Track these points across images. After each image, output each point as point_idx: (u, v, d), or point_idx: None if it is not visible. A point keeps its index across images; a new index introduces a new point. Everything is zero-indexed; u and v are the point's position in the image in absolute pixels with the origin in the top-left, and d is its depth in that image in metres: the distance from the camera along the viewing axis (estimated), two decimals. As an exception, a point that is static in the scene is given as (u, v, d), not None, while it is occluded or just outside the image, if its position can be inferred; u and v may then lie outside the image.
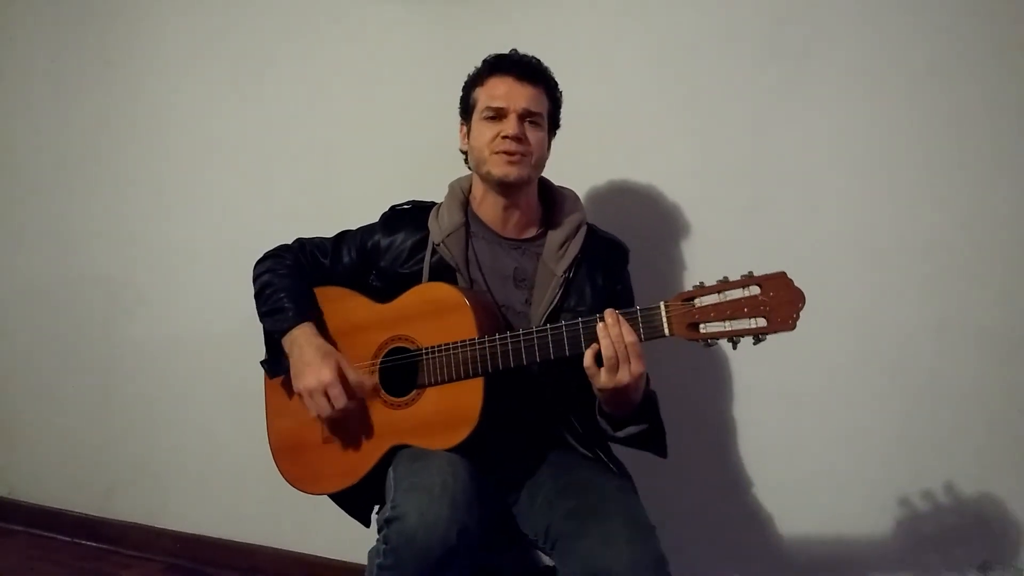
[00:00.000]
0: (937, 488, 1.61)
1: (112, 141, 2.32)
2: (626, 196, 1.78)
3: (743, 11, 1.68)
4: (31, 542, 2.41)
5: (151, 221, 2.29)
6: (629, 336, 1.15)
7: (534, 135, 1.38)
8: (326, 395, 1.32)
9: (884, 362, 1.63)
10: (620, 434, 1.29)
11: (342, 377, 1.33)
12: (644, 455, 1.37)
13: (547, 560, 1.35)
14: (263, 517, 2.19)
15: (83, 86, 2.34)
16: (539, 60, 1.43)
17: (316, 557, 2.14)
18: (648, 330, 1.16)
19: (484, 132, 1.38)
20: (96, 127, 2.34)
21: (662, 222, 1.76)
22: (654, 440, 1.33)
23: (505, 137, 1.35)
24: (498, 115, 1.37)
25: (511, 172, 1.36)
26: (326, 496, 1.45)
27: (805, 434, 1.70)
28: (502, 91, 1.37)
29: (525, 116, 1.37)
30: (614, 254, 1.48)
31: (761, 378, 1.72)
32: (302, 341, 1.38)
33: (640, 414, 1.27)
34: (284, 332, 1.40)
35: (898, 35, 1.59)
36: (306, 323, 1.40)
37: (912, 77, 1.58)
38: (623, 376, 1.16)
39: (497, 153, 1.36)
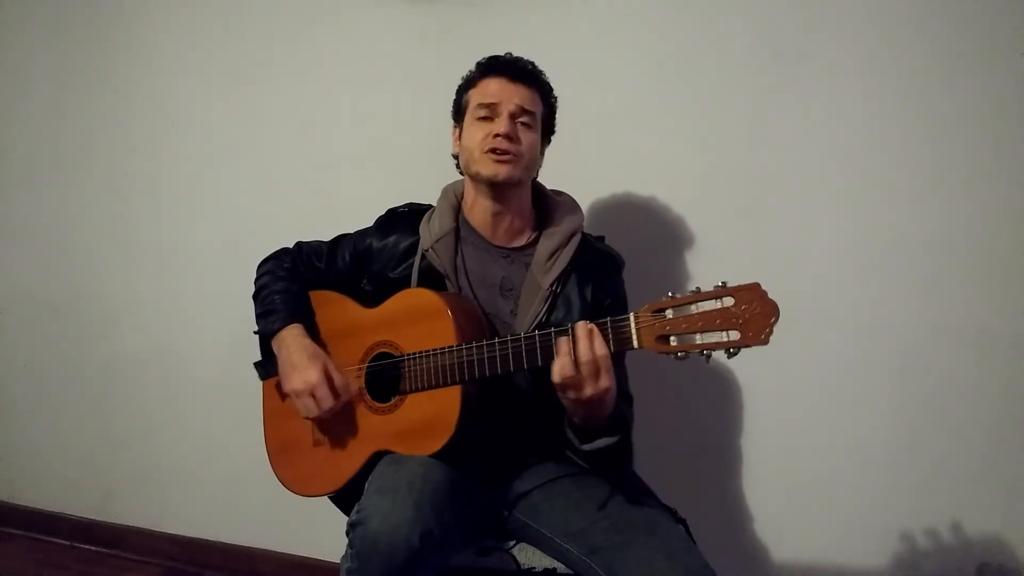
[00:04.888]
0: (935, 489, 1.61)
1: (109, 146, 2.33)
2: (624, 200, 1.78)
3: (741, 14, 1.67)
4: (30, 545, 2.43)
5: (148, 225, 2.30)
6: (600, 350, 1.11)
7: (526, 136, 1.35)
8: (313, 396, 1.32)
9: (883, 364, 1.63)
10: (586, 447, 1.24)
11: (329, 379, 1.33)
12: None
13: (545, 562, 1.33)
14: (261, 520, 2.21)
15: (81, 91, 2.35)
16: (534, 63, 1.41)
17: (314, 560, 2.16)
18: (617, 342, 1.12)
19: (475, 132, 1.36)
20: (93, 131, 2.35)
21: (660, 226, 1.75)
22: (618, 458, 1.27)
23: (496, 136, 1.32)
24: (490, 113, 1.35)
25: (500, 171, 1.33)
26: (326, 499, 1.44)
27: (804, 436, 1.69)
28: (494, 89, 1.35)
29: (517, 115, 1.34)
30: (607, 266, 1.43)
31: (760, 380, 1.72)
32: (290, 342, 1.38)
33: (610, 430, 1.22)
34: (273, 334, 1.40)
35: (896, 37, 1.58)
36: (294, 324, 1.40)
37: (911, 78, 1.58)
38: (587, 391, 1.12)
39: (487, 152, 1.33)
